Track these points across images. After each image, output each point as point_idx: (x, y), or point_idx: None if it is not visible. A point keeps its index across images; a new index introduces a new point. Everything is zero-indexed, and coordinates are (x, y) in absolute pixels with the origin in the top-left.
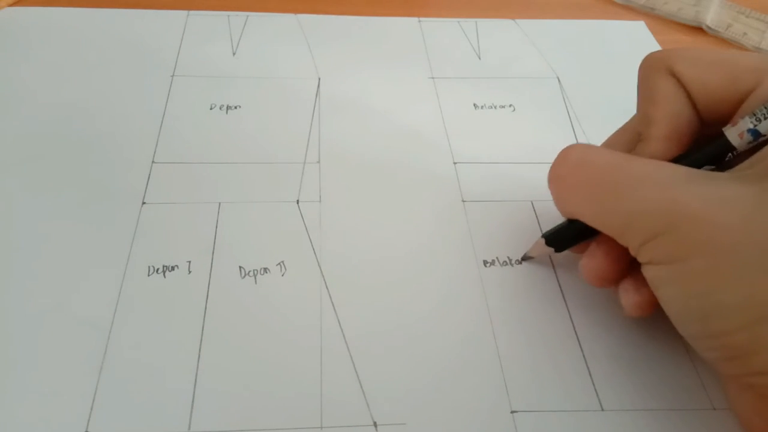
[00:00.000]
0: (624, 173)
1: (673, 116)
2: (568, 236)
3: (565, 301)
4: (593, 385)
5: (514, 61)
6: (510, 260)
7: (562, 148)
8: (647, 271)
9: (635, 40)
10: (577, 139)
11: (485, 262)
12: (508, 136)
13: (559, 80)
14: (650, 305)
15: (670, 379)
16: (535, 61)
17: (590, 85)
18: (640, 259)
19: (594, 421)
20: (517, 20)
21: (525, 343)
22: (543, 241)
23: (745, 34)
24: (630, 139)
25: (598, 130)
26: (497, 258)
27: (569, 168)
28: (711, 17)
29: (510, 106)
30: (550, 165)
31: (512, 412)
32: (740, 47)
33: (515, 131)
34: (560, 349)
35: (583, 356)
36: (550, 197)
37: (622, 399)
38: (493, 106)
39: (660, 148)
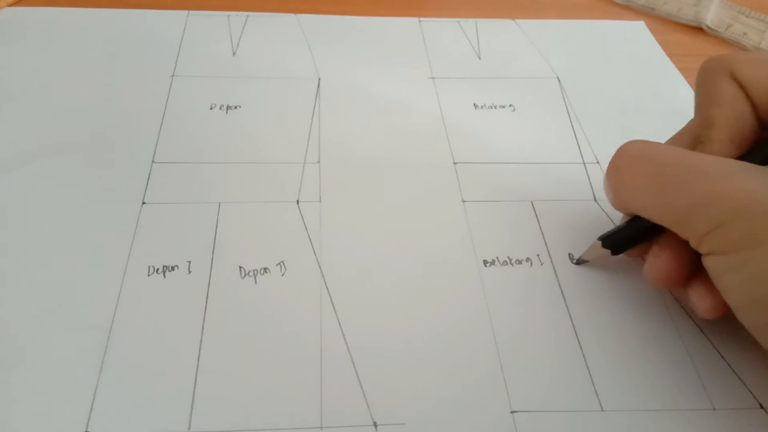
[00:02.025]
0: (685, 165)
1: (735, 118)
2: (627, 237)
3: (565, 301)
4: (593, 385)
5: (514, 61)
6: (510, 260)
7: (562, 147)
8: (709, 262)
9: (635, 40)
10: (577, 139)
11: (485, 262)
12: (508, 136)
13: (559, 80)
14: (725, 306)
15: (670, 379)
16: (535, 61)
17: (590, 85)
18: (701, 250)
19: (594, 421)
20: (517, 20)
21: (525, 343)
22: (599, 243)
23: (745, 34)
24: (689, 143)
25: (598, 130)
26: (497, 258)
27: (629, 160)
28: (711, 17)
29: (510, 106)
30: (610, 159)
31: (512, 412)
32: (740, 47)
33: (515, 131)
34: (560, 349)
35: (583, 356)
36: (550, 197)
37: (622, 399)
38: (493, 106)
39: (721, 150)
